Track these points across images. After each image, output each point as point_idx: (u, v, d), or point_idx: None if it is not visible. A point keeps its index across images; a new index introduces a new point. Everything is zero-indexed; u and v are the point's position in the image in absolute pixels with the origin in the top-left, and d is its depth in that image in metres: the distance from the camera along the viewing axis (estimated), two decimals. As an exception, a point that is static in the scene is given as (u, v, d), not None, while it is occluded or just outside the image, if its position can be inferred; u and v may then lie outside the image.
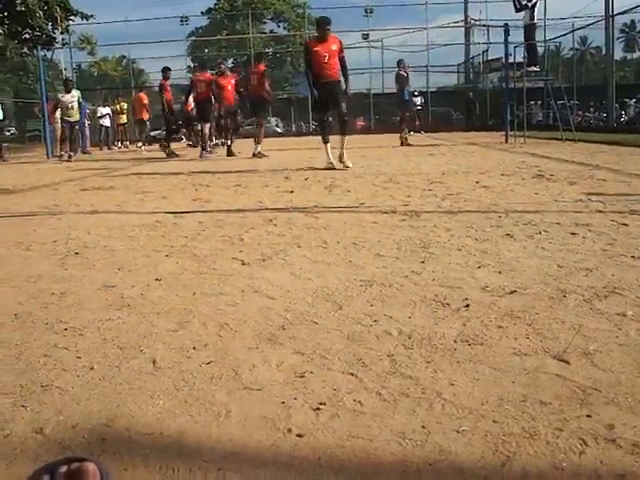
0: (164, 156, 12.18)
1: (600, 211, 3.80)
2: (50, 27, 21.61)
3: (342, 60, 7.84)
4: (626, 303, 1.97)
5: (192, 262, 2.84)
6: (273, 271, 2.61)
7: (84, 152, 16.82)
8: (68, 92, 13.29)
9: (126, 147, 20.06)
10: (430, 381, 1.46)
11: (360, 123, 23.97)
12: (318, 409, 1.34)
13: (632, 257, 2.59)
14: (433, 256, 2.76)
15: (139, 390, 1.48)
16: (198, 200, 5.18)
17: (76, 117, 13.32)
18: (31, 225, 4.18)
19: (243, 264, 2.76)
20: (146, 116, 16.94)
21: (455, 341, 1.71)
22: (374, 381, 1.47)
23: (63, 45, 27.29)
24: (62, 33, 23.94)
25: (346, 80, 7.97)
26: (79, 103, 13.38)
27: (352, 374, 1.52)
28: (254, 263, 2.77)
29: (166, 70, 12.76)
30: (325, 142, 7.89)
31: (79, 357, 1.71)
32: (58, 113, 18.34)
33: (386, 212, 4.09)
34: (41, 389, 1.51)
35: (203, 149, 11.91)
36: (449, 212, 3.99)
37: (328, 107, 7.89)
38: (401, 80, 13.82)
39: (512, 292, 2.14)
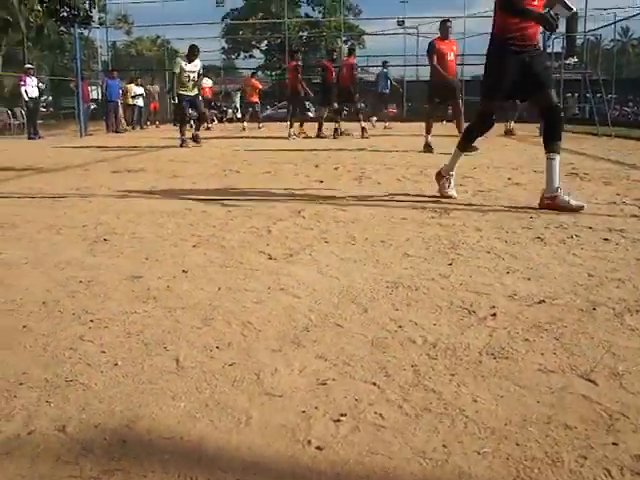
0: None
1: (635, 215, 3.71)
2: (87, 5, 21.79)
3: None
4: (658, 319, 1.92)
5: (219, 254, 2.84)
6: (299, 267, 2.60)
7: (117, 131, 16.99)
8: (191, 61, 10.50)
9: (157, 127, 20.31)
10: (453, 396, 1.44)
11: (392, 110, 23.73)
12: (339, 420, 1.33)
13: (667, 268, 2.52)
14: (461, 258, 2.72)
15: (161, 390, 1.48)
16: (227, 187, 5.19)
17: (195, 92, 10.64)
18: (62, 207, 4.23)
19: (270, 258, 2.76)
20: (257, 99, 17.60)
21: (480, 353, 1.68)
22: (396, 393, 1.46)
23: (100, 24, 27.54)
24: (99, 12, 24.13)
25: None
26: (199, 75, 10.69)
27: (374, 384, 1.50)
28: (281, 258, 2.77)
29: (295, 52, 13.54)
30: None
31: (104, 352, 1.72)
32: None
33: (415, 208, 4.06)
34: (65, 384, 1.52)
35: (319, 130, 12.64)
36: (479, 210, 3.94)
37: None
38: None
39: (540, 302, 2.10)
